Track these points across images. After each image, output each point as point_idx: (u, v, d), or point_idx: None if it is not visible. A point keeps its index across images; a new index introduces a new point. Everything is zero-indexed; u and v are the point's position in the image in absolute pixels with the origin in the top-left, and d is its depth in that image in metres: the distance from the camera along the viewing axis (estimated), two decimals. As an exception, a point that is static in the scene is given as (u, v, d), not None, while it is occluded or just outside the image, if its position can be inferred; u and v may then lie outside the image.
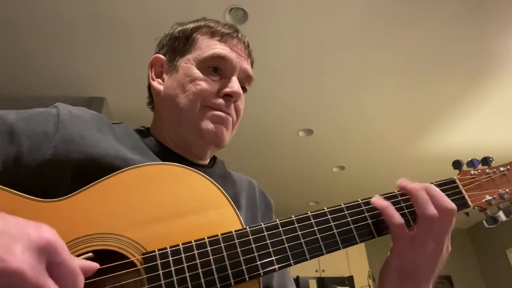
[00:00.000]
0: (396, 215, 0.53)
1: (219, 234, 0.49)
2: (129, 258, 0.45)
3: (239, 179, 0.77)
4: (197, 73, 0.66)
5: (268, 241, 0.50)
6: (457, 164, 0.64)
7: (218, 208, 0.52)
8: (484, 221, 0.61)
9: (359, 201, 0.56)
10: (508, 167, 0.63)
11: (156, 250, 0.46)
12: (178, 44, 0.71)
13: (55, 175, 0.52)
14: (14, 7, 2.17)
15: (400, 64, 2.74)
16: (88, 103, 2.91)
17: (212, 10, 2.21)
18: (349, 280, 4.29)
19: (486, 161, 0.64)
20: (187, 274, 0.45)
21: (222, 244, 0.48)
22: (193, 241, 0.48)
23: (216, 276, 0.46)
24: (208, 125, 0.65)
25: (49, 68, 2.66)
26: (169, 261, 0.46)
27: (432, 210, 0.52)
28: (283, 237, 0.51)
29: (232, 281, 0.46)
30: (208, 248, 0.47)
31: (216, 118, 0.66)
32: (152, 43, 0.79)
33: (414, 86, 2.98)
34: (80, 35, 2.38)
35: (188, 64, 0.67)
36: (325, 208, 0.55)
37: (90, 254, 0.44)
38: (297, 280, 3.79)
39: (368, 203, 0.56)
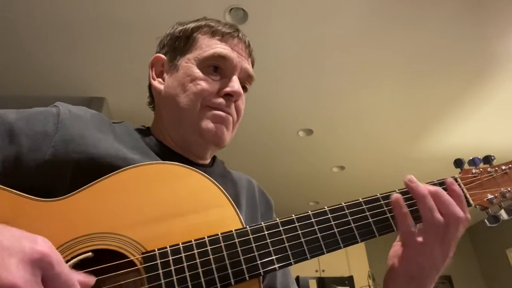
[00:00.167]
0: (412, 223, 0.52)
1: (219, 234, 0.49)
2: (129, 258, 0.45)
3: (238, 178, 0.77)
4: (197, 72, 0.66)
5: (268, 240, 0.50)
6: (458, 163, 0.64)
7: (218, 207, 0.52)
8: (486, 220, 0.60)
9: (359, 200, 0.56)
10: (510, 165, 0.63)
11: (156, 249, 0.46)
12: (178, 44, 0.70)
13: (55, 174, 0.52)
14: (14, 7, 2.17)
15: (400, 64, 2.74)
16: (88, 103, 2.91)
17: (212, 10, 2.21)
18: (349, 280, 4.29)
19: (487, 159, 0.64)
20: (187, 274, 0.45)
21: (222, 244, 0.48)
22: (193, 240, 0.48)
23: (216, 275, 0.46)
24: (208, 124, 0.65)
25: (49, 68, 2.66)
26: (169, 260, 0.46)
27: (437, 218, 0.51)
28: (283, 236, 0.50)
29: (232, 280, 0.46)
30: (208, 248, 0.47)
31: (217, 118, 0.66)
32: (152, 43, 0.79)
33: (414, 86, 2.98)
34: (80, 35, 2.38)
35: (188, 64, 0.67)
36: (325, 207, 0.54)
37: (90, 254, 0.44)
38: (297, 280, 3.79)
39: (368, 202, 0.56)
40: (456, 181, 0.61)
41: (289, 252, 0.49)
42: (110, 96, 2.98)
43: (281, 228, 0.51)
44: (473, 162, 0.64)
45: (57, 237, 0.44)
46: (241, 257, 0.48)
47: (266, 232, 0.50)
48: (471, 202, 0.59)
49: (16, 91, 2.87)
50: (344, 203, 0.55)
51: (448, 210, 0.51)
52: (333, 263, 5.00)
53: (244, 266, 0.47)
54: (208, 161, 0.73)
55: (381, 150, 3.94)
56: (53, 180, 0.52)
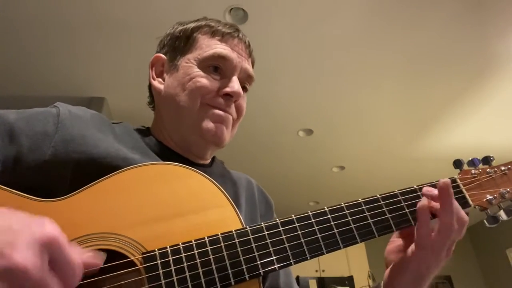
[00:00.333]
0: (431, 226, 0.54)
1: (219, 234, 0.49)
2: (129, 258, 0.45)
3: (238, 178, 0.77)
4: (197, 72, 0.66)
5: (268, 241, 0.50)
6: (457, 164, 0.64)
7: (218, 207, 0.52)
8: (485, 221, 0.61)
9: (359, 200, 0.56)
10: (509, 166, 0.63)
11: (156, 249, 0.46)
12: (179, 44, 0.70)
13: (55, 174, 0.52)
14: (14, 7, 2.17)
15: (400, 64, 2.74)
16: (88, 103, 2.91)
17: (212, 10, 2.21)
18: (349, 280, 4.28)
19: (486, 160, 0.64)
20: (187, 274, 0.45)
21: (222, 244, 0.48)
22: (193, 240, 0.48)
23: (216, 275, 0.46)
24: (208, 124, 0.65)
25: (49, 68, 2.66)
26: (169, 260, 0.46)
27: (455, 221, 0.53)
28: (283, 236, 0.50)
29: (232, 280, 0.46)
30: (208, 248, 0.47)
31: (216, 117, 0.66)
32: (152, 43, 0.79)
33: (414, 86, 2.98)
34: (80, 35, 2.38)
35: (188, 64, 0.67)
36: (325, 207, 0.54)
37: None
38: (297, 280, 3.78)
39: (367, 203, 0.56)
40: (456, 181, 0.61)
41: (289, 253, 0.50)
42: (110, 96, 2.98)
43: (281, 229, 0.51)
44: (472, 162, 0.64)
45: (57, 237, 0.44)
46: (241, 257, 0.48)
47: (266, 233, 0.50)
48: (471, 202, 0.59)
49: (16, 91, 2.88)
50: (344, 203, 0.56)
51: (459, 214, 0.54)
52: (333, 263, 5.00)
53: (244, 266, 0.47)
54: (208, 161, 0.74)
55: (381, 150, 3.94)
56: (53, 180, 0.52)
